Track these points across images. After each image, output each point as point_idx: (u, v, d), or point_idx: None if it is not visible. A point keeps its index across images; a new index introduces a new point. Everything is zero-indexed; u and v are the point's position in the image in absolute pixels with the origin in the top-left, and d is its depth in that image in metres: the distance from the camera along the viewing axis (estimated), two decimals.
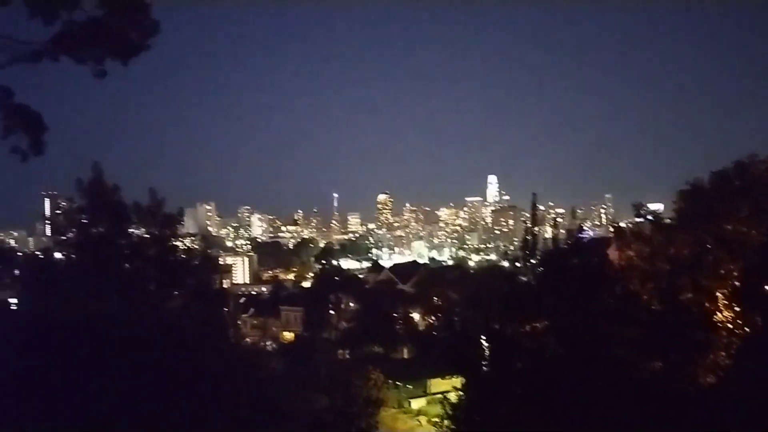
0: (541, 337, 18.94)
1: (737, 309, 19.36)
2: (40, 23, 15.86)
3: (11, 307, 27.25)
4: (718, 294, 20.11)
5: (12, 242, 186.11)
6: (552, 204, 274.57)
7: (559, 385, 16.72)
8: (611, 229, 28.87)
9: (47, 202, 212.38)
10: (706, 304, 19.86)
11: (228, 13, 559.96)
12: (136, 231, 23.80)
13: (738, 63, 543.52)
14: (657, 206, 26.62)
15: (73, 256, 24.10)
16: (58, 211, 31.25)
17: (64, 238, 24.39)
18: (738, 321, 19.16)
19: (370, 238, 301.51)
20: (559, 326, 18.08)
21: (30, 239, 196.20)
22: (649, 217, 23.51)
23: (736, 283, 19.74)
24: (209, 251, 34.49)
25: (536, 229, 21.35)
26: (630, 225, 26.00)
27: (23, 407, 11.45)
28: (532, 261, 21.25)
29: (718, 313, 19.82)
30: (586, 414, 15.79)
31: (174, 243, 24.55)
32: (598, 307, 18.26)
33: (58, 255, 25.42)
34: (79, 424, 11.43)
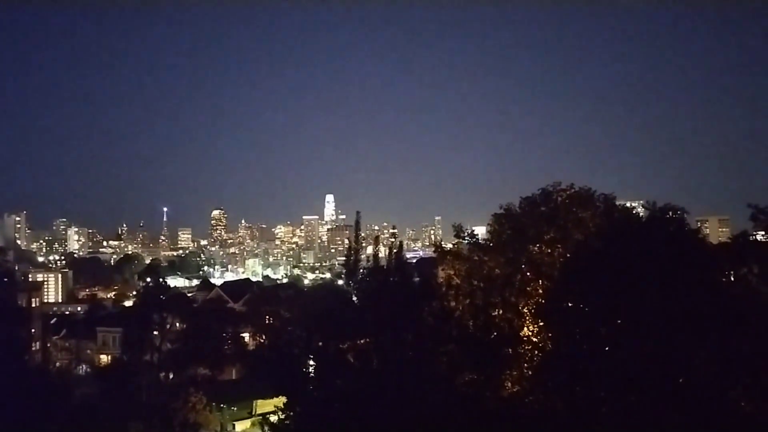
0: (363, 354, 19.06)
1: (541, 324, 20.91)
2: None
3: None
4: (524, 310, 21.62)
5: None
6: (386, 224, 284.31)
7: (378, 402, 16.89)
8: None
9: None
10: (515, 320, 21.25)
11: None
12: None
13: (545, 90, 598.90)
14: (482, 229, 28.04)
15: None
16: None
17: None
18: (540, 335, 20.68)
19: (202, 255, 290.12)
20: (380, 343, 18.35)
21: None
22: (468, 238, 24.76)
23: (541, 300, 21.33)
24: (16, 267, 30.97)
25: (360, 247, 21.58)
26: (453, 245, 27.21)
27: None
28: (355, 279, 21.44)
29: (524, 328, 21.28)
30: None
31: None
32: (416, 323, 18.79)
33: None
34: None
